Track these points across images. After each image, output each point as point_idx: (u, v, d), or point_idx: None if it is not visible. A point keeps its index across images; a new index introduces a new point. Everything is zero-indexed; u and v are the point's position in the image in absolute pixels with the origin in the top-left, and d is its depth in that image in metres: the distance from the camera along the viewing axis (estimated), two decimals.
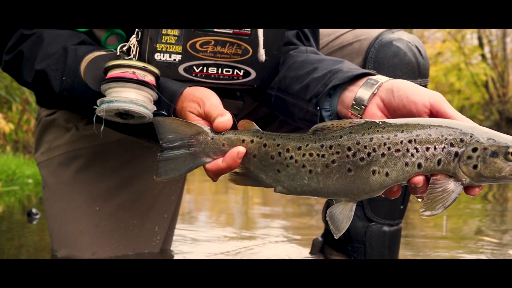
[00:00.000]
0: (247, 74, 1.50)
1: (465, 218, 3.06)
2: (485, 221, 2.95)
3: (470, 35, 24.71)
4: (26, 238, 2.48)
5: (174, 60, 1.41)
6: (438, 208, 1.08)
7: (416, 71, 1.67)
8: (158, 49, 1.39)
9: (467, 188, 1.11)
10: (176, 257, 1.98)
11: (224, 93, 1.57)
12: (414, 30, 26.49)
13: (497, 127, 22.95)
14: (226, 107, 1.61)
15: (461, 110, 24.45)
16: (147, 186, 1.86)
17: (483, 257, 2.02)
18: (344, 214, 1.15)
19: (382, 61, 1.66)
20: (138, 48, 1.38)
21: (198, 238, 2.37)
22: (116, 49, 1.38)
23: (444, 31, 24.32)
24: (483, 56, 24.30)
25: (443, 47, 24.87)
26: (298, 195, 1.20)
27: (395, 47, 1.67)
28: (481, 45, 24.22)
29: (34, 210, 2.91)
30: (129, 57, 1.36)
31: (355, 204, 1.16)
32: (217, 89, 1.51)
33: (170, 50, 1.40)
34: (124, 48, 1.37)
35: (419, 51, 1.70)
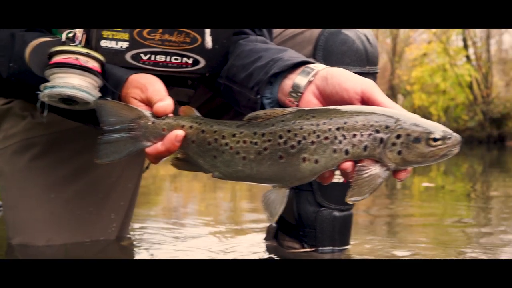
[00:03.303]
0: (196, 62, 1.52)
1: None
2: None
3: (455, 37, 24.96)
4: None
5: (121, 47, 1.44)
6: (365, 193, 1.12)
7: (364, 58, 1.71)
8: (104, 36, 1.41)
9: (394, 172, 1.15)
10: (133, 244, 2.00)
11: (175, 81, 1.60)
12: (401, 31, 26.69)
13: (481, 127, 23.18)
14: (176, 95, 1.64)
15: (446, 110, 24.68)
16: (103, 173, 1.87)
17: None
18: (278, 200, 1.19)
19: (331, 48, 1.70)
20: (84, 35, 1.40)
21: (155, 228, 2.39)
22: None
23: (429, 32, 24.56)
24: (467, 57, 24.58)
25: (428, 48, 25.12)
26: (234, 180, 1.24)
27: (343, 35, 1.71)
28: (465, 46, 24.47)
29: None
30: (74, 44, 1.37)
31: (288, 190, 1.20)
32: (167, 77, 1.54)
33: (117, 37, 1.43)
34: (70, 35, 1.39)
35: (368, 39, 1.74)
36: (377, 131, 1.12)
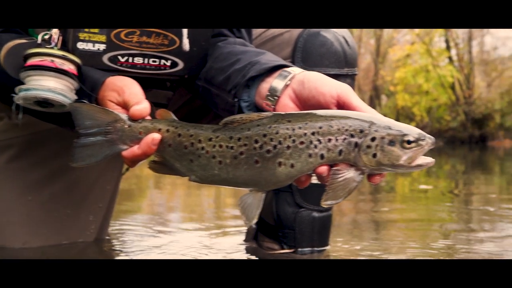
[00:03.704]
0: (174, 64, 1.52)
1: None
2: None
3: (438, 38, 25.27)
4: None
5: (98, 49, 1.43)
6: (339, 196, 1.13)
7: (342, 60, 1.72)
8: (80, 38, 1.40)
9: (369, 176, 1.16)
10: (113, 246, 1.98)
11: (154, 83, 1.60)
12: (385, 32, 26.90)
13: (463, 127, 23.49)
14: (155, 97, 1.64)
15: (429, 110, 24.95)
16: (81, 175, 1.86)
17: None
18: (254, 203, 1.19)
19: (310, 50, 1.71)
20: (61, 37, 1.39)
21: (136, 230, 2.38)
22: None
23: (413, 33, 24.80)
24: (450, 58, 24.87)
25: (411, 49, 25.36)
26: (211, 184, 1.24)
27: (322, 37, 1.72)
28: (448, 48, 24.77)
29: None
30: (50, 46, 1.36)
31: (264, 194, 1.20)
32: (145, 79, 1.54)
33: (94, 39, 1.42)
34: (46, 37, 1.38)
35: (346, 41, 1.75)
36: (352, 136, 1.13)
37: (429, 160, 1.14)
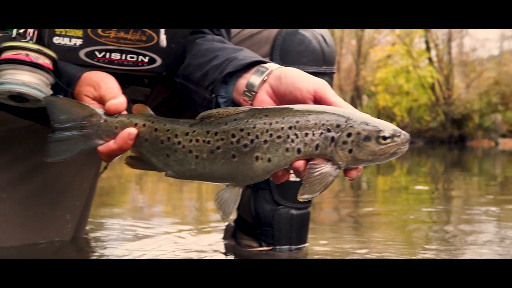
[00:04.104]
0: (152, 61, 1.51)
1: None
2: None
3: (418, 39, 25.54)
4: None
5: (75, 44, 1.41)
6: (316, 191, 1.13)
7: (321, 58, 1.73)
8: (57, 32, 1.38)
9: (345, 171, 1.17)
10: (90, 246, 1.97)
11: (131, 79, 1.59)
12: (366, 33, 27.10)
13: (442, 127, 23.77)
14: (133, 93, 1.63)
15: (410, 111, 25.20)
16: (58, 173, 1.84)
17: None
18: (231, 199, 1.19)
19: (288, 48, 1.72)
20: (36, 31, 1.37)
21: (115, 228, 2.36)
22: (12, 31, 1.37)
23: (393, 34, 25.03)
24: (430, 59, 25.16)
25: (392, 50, 25.59)
26: (187, 179, 1.24)
27: (300, 35, 1.72)
28: (428, 49, 25.06)
29: None
30: (26, 40, 1.34)
31: (241, 189, 1.20)
32: (123, 76, 1.53)
33: (70, 34, 1.40)
34: (21, 31, 1.36)
35: (324, 39, 1.76)
36: (328, 130, 1.13)
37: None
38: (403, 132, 1.15)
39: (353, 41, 28.17)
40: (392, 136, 1.13)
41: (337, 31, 26.28)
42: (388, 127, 1.14)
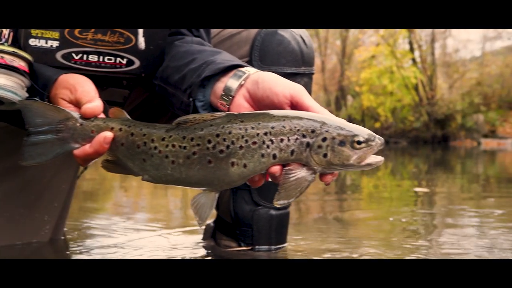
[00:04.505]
0: (130, 62, 1.51)
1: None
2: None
3: (402, 40, 25.75)
4: None
5: (51, 46, 1.40)
6: (292, 196, 1.14)
7: (300, 59, 1.74)
8: (33, 34, 1.37)
9: (321, 175, 1.18)
10: (68, 247, 1.95)
11: (110, 81, 1.58)
12: (350, 33, 27.23)
13: (426, 127, 24.00)
14: (111, 95, 1.62)
15: (393, 111, 25.39)
16: (35, 174, 1.83)
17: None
18: (208, 203, 1.20)
19: (267, 49, 1.72)
20: (12, 33, 1.36)
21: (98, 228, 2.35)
22: None
23: (377, 35, 25.19)
24: (413, 60, 25.39)
25: (376, 50, 25.76)
26: (164, 184, 1.24)
27: (279, 35, 1.73)
28: (411, 49, 25.27)
29: None
30: (1, 42, 1.33)
31: (217, 194, 1.21)
32: (101, 78, 1.52)
33: (46, 36, 1.39)
34: None
35: (303, 40, 1.77)
36: (304, 136, 1.14)
37: (379, 158, 1.17)
38: (378, 136, 1.17)
39: (338, 42, 28.29)
40: (367, 141, 1.14)
41: (322, 32, 26.38)
42: (362, 132, 1.15)
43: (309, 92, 1.60)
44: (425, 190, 4.34)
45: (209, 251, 1.88)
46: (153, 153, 1.20)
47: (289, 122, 1.15)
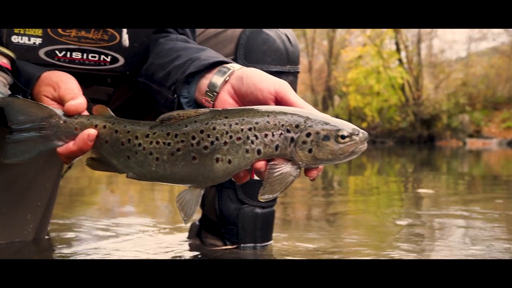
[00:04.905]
0: (114, 60, 1.50)
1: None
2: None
3: (389, 40, 25.89)
4: None
5: (34, 43, 1.39)
6: (276, 191, 1.14)
7: (285, 58, 1.75)
8: (15, 31, 1.36)
9: (306, 170, 1.18)
10: (52, 246, 1.94)
11: (94, 79, 1.57)
12: (337, 34, 27.34)
13: (412, 127, 24.15)
14: (95, 93, 1.61)
15: (380, 111, 25.53)
16: (18, 173, 1.81)
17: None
18: (193, 200, 1.20)
19: (252, 47, 1.73)
20: None
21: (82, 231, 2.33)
22: None
23: (364, 35, 25.32)
24: (400, 60, 25.53)
25: (363, 50, 25.88)
26: (148, 181, 1.23)
27: (265, 34, 1.74)
28: (398, 50, 25.41)
29: None
30: None
31: (203, 190, 1.21)
32: (86, 75, 1.51)
33: (29, 33, 1.38)
34: None
35: (289, 38, 1.78)
36: (288, 131, 1.14)
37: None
38: (362, 130, 1.17)
39: (325, 42, 28.38)
40: (351, 135, 1.15)
41: (309, 32, 26.45)
42: (346, 126, 1.16)
43: (295, 90, 1.60)
44: (430, 191, 4.31)
45: (194, 251, 1.87)
46: (137, 150, 1.20)
47: (273, 117, 1.15)
